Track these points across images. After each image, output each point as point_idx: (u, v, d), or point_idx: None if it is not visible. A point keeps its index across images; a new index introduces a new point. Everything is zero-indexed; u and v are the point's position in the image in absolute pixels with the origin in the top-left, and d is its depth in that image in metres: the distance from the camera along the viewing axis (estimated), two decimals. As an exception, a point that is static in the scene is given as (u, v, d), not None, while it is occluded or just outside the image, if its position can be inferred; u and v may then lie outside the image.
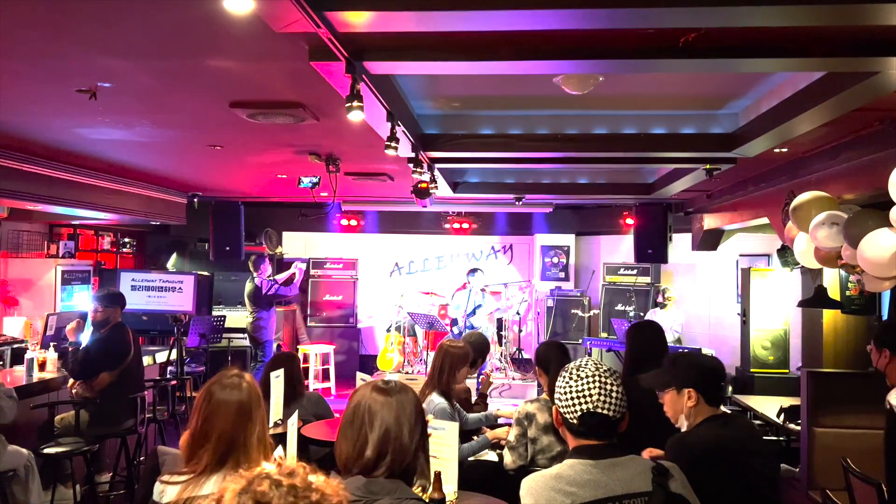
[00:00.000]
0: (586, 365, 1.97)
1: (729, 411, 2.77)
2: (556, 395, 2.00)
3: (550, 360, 3.58)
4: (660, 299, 8.36)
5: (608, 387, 1.93)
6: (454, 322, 8.77)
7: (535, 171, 7.09)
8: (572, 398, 1.93)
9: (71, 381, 4.83)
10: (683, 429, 2.58)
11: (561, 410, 1.98)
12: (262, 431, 2.17)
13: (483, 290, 8.89)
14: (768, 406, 5.15)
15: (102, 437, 4.74)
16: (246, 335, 8.18)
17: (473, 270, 8.99)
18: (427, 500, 2.23)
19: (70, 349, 4.75)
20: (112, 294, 5.04)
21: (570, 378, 1.96)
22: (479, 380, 4.70)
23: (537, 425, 3.46)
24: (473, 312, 8.68)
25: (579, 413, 1.92)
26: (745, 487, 2.41)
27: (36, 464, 4.15)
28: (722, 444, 2.43)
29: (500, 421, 4.25)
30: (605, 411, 1.91)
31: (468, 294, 8.79)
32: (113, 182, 6.84)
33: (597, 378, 1.93)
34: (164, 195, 7.91)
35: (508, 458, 3.50)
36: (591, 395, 1.91)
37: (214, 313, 8.47)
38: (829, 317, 5.53)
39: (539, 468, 2.94)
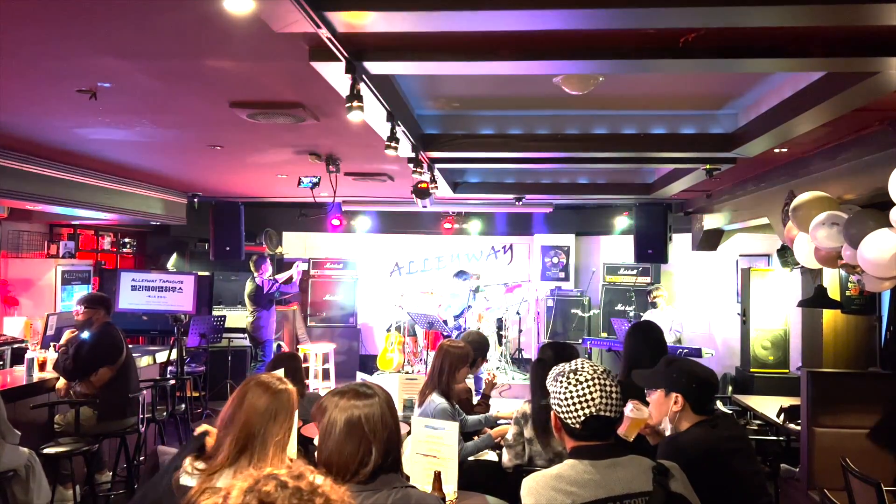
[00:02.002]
0: (583, 368, 1.94)
1: (729, 412, 2.76)
2: (555, 401, 1.95)
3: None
4: (648, 299, 8.37)
5: (608, 388, 1.91)
6: (446, 322, 8.78)
7: (534, 171, 7.08)
8: (574, 403, 1.90)
9: (63, 382, 4.80)
10: (667, 432, 2.58)
11: (561, 416, 1.94)
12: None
13: (474, 290, 8.94)
14: (768, 406, 5.14)
15: (102, 436, 4.75)
16: (246, 335, 8.19)
17: (459, 273, 9.03)
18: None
19: (59, 350, 4.84)
20: (95, 296, 5.10)
21: (570, 383, 1.92)
22: (485, 380, 4.68)
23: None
24: (462, 313, 8.71)
25: (583, 418, 1.89)
26: (739, 487, 2.41)
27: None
28: (714, 445, 2.42)
29: (500, 422, 4.24)
30: (607, 413, 1.90)
31: (457, 295, 8.86)
32: (113, 182, 6.84)
33: (596, 381, 1.91)
34: (164, 195, 7.92)
35: (506, 457, 3.50)
36: (592, 399, 1.89)
37: (214, 313, 8.47)
38: (829, 317, 5.53)
39: (538, 468, 2.94)
